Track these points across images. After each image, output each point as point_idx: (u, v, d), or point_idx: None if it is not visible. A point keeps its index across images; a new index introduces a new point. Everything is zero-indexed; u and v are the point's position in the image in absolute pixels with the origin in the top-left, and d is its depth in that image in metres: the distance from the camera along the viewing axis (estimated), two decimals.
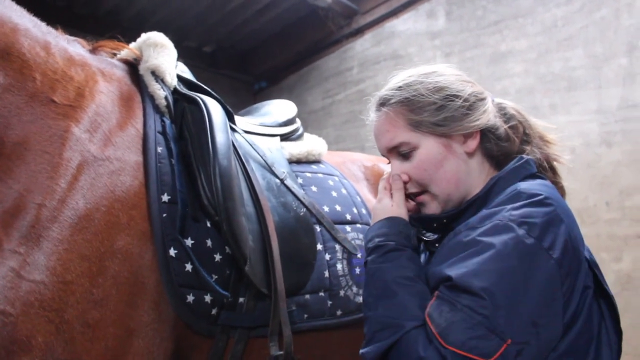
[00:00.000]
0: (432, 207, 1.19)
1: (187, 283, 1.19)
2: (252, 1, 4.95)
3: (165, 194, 1.23)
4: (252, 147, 1.52)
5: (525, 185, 1.06)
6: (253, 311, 1.30)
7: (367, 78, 5.02)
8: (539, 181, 1.10)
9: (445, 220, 1.17)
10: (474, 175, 1.17)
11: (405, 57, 4.60)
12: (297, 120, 1.83)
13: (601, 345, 1.01)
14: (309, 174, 1.63)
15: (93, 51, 1.39)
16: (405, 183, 1.20)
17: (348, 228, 1.58)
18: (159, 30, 1.53)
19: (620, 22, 3.34)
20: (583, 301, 0.98)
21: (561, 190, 1.24)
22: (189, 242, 1.22)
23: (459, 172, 1.15)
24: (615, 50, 3.35)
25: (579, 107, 3.50)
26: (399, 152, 1.19)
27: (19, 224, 1.01)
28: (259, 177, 1.45)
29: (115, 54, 1.46)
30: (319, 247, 1.47)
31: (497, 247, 0.96)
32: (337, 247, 1.51)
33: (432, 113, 1.14)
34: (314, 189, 1.59)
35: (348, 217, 1.60)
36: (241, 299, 1.29)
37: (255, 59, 6.07)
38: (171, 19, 5.05)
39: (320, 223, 1.50)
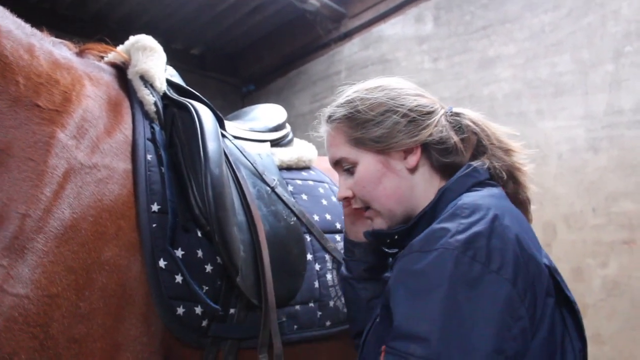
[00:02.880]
0: (378, 223, 1.17)
1: (177, 295, 1.15)
2: (240, 4, 4.91)
3: (155, 204, 1.19)
4: (243, 154, 1.49)
5: (468, 200, 1.02)
6: (243, 322, 1.28)
7: (355, 82, 4.99)
8: (485, 191, 1.07)
9: (396, 237, 1.14)
10: (420, 189, 1.14)
11: (393, 61, 4.60)
12: (287, 125, 1.81)
13: (566, 355, 0.97)
14: (299, 182, 1.61)
15: (80, 54, 1.35)
16: (349, 198, 1.20)
17: (338, 237, 1.56)
18: (147, 32, 1.50)
19: (606, 29, 3.37)
20: (545, 310, 0.94)
21: (524, 202, 1.19)
22: (179, 252, 1.19)
23: (399, 188, 1.13)
24: (601, 57, 3.38)
25: (566, 112, 3.52)
26: (343, 167, 1.19)
27: (2, 235, 0.97)
28: (250, 185, 1.42)
29: (102, 57, 1.42)
30: (309, 257, 1.45)
31: (443, 282, 0.90)
32: (327, 257, 1.49)
33: (369, 130, 1.13)
34: (304, 197, 1.57)
35: (338, 225, 1.58)
36: (232, 310, 1.27)
37: (244, 62, 6.03)
38: (159, 21, 5.00)
39: (310, 232, 1.48)
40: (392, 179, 1.13)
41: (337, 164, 1.21)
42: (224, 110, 1.58)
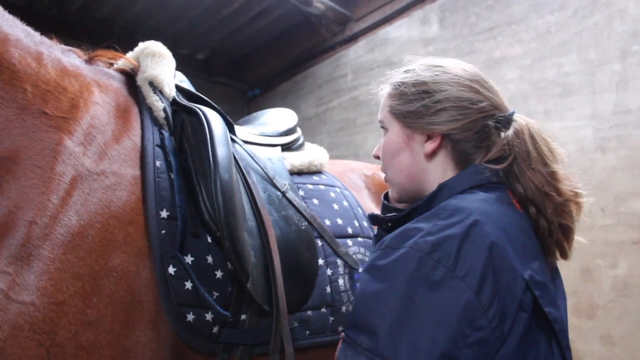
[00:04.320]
0: (392, 191, 1.22)
1: (187, 301, 1.15)
2: (245, 8, 4.93)
3: (164, 210, 1.19)
4: (253, 159, 1.48)
5: (453, 201, 0.99)
6: (255, 328, 1.27)
7: (360, 85, 5.01)
8: (480, 195, 1.02)
9: (390, 224, 1.15)
10: (433, 176, 1.12)
11: (398, 63, 4.54)
12: (298, 129, 1.80)
13: None
14: (310, 186, 1.60)
15: (89, 61, 1.35)
16: (377, 158, 1.24)
17: (349, 242, 1.54)
18: (152, 38, 1.50)
19: (613, 28, 3.35)
20: (516, 325, 0.89)
21: (549, 232, 1.06)
22: (188, 259, 1.18)
23: (412, 167, 1.15)
24: (608, 56, 3.36)
25: (573, 112, 3.50)
26: (383, 128, 1.22)
27: (8, 242, 0.96)
28: (260, 190, 1.41)
29: (112, 64, 1.42)
30: (321, 262, 1.44)
31: (402, 280, 0.89)
32: (339, 261, 1.48)
33: (404, 104, 1.14)
34: (315, 201, 1.56)
35: (349, 230, 1.57)
36: (243, 316, 1.26)
37: (249, 66, 6.05)
38: (164, 26, 5.02)
39: (321, 237, 1.47)
40: (408, 157, 1.15)
41: (380, 122, 1.24)
42: (230, 114, 1.57)
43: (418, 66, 1.19)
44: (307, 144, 1.79)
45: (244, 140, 1.55)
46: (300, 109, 5.50)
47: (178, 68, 1.54)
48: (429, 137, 1.12)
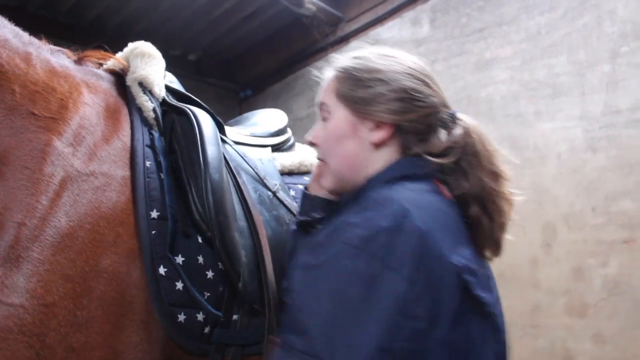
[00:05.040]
0: (326, 180, 1.15)
1: (178, 302, 1.15)
2: (237, 9, 4.92)
3: (155, 210, 1.18)
4: (243, 159, 1.49)
5: (381, 193, 0.99)
6: (247, 328, 1.27)
7: None
8: (409, 185, 1.02)
9: (319, 226, 1.12)
10: (375, 168, 1.09)
11: None
12: (288, 130, 1.80)
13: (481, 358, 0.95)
14: (301, 186, 1.60)
15: (78, 62, 1.34)
16: (314, 145, 1.18)
17: None
18: (144, 39, 1.49)
19: (602, 29, 3.38)
20: (447, 311, 0.90)
21: (488, 229, 1.08)
22: (179, 259, 1.18)
23: (356, 156, 1.10)
24: (598, 57, 3.39)
25: (564, 113, 3.52)
26: (322, 114, 1.17)
27: None
28: (251, 190, 1.42)
29: (101, 65, 1.42)
30: None
31: (337, 278, 0.88)
32: None
33: (356, 90, 1.10)
34: None
35: None
36: (235, 316, 1.26)
37: (241, 67, 6.04)
38: (156, 27, 5.00)
39: None
40: (354, 144, 1.10)
41: (319, 108, 1.19)
42: (222, 115, 1.57)
43: (369, 54, 1.16)
44: (297, 144, 1.80)
45: (234, 140, 1.55)
46: (292, 109, 5.50)
47: (170, 69, 1.54)
48: (378, 126, 1.09)
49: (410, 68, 1.13)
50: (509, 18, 3.85)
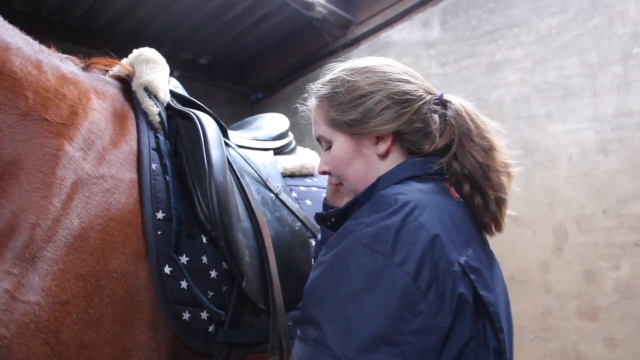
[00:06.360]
0: (348, 199, 1.18)
1: (183, 300, 1.18)
2: (247, 13, 4.96)
3: (160, 211, 1.22)
4: (247, 162, 1.52)
5: (389, 192, 1.01)
6: (249, 327, 1.29)
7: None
8: (416, 185, 1.04)
9: (333, 220, 1.16)
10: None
11: None
12: (290, 133, 1.83)
13: (478, 353, 0.95)
14: (303, 188, 1.63)
15: (86, 68, 1.38)
16: (327, 173, 1.21)
17: None
18: (155, 43, 1.53)
19: (614, 30, 3.36)
20: (456, 311, 0.92)
21: (483, 206, 1.09)
22: (183, 259, 1.21)
23: (366, 173, 1.13)
24: (609, 58, 3.37)
25: (575, 115, 3.50)
26: (322, 144, 1.21)
27: (13, 244, 1.00)
28: (254, 191, 1.45)
29: (107, 71, 1.46)
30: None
31: (344, 272, 0.92)
32: None
33: (344, 113, 1.13)
34: (308, 202, 1.59)
35: None
36: (238, 316, 1.28)
37: (252, 70, 6.07)
38: (167, 31, 5.06)
39: (315, 237, 1.50)
40: (362, 163, 1.13)
41: (317, 140, 1.22)
42: (233, 118, 1.61)
43: (341, 73, 1.17)
44: (299, 147, 1.83)
45: (237, 144, 1.59)
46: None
47: (181, 72, 1.58)
48: (378, 139, 1.12)
49: (386, 73, 1.15)
50: (519, 19, 3.84)
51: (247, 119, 1.94)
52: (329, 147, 1.18)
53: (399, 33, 4.68)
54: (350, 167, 1.14)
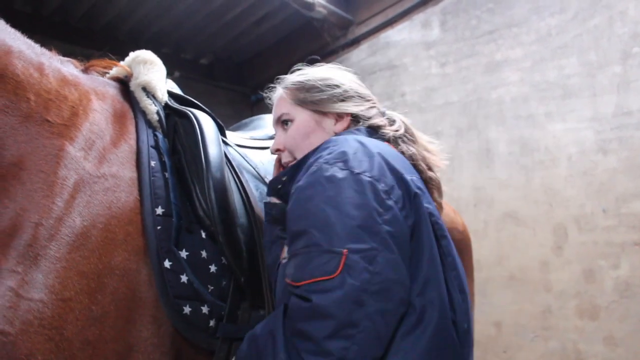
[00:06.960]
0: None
1: (183, 294, 1.20)
2: (248, 13, 4.98)
3: (159, 207, 1.24)
4: (245, 160, 1.55)
5: (344, 136, 1.21)
6: (248, 322, 1.31)
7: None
8: (364, 137, 1.22)
9: (284, 179, 1.25)
10: None
11: (400, 67, 4.63)
12: None
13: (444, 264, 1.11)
14: None
15: (85, 70, 1.41)
16: (280, 151, 1.35)
17: None
18: (156, 43, 1.56)
19: (613, 30, 3.37)
20: (416, 211, 1.09)
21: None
22: (183, 253, 1.24)
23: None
24: (609, 58, 3.38)
25: (575, 114, 3.51)
26: (282, 122, 1.36)
27: (16, 243, 1.02)
28: (253, 187, 1.47)
29: (106, 73, 1.48)
30: None
31: (313, 187, 1.06)
32: None
33: (313, 94, 1.32)
34: None
35: None
36: (238, 310, 1.30)
37: (252, 70, 6.09)
38: (168, 31, 5.08)
39: None
40: (319, 136, 1.29)
41: (278, 121, 1.37)
42: (233, 118, 1.63)
43: (312, 70, 1.40)
44: None
45: (236, 143, 1.61)
46: None
47: (181, 73, 1.60)
48: (339, 118, 1.32)
49: (350, 75, 1.40)
50: (519, 19, 3.85)
51: (244, 121, 1.98)
52: (285, 123, 1.34)
53: (399, 33, 4.70)
54: (307, 140, 1.30)
